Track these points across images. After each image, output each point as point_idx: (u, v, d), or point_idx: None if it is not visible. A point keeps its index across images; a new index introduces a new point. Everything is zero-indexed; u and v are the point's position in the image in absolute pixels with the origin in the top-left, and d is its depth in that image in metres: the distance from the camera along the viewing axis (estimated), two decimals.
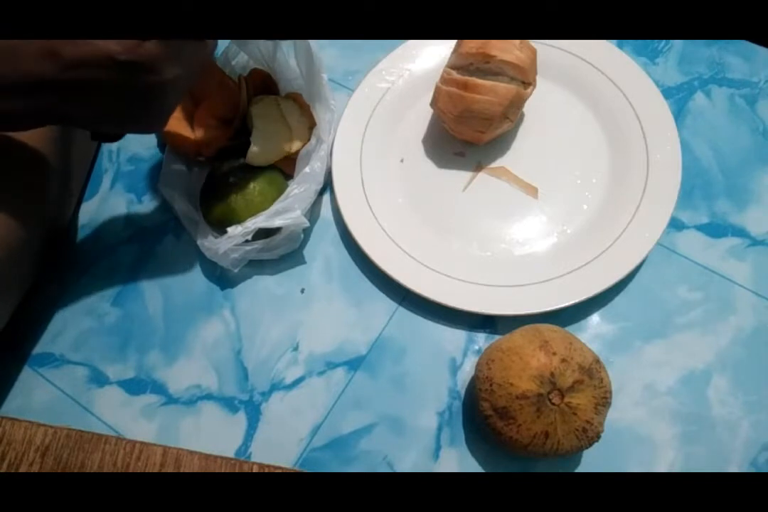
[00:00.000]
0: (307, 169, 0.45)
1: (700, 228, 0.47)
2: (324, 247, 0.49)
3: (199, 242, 0.45)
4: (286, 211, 0.43)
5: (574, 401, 0.35)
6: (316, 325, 0.47)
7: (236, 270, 0.46)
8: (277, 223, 0.43)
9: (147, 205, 0.52)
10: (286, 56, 0.49)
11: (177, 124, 0.49)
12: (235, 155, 0.47)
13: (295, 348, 0.46)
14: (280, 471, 0.42)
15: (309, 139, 0.48)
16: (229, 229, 0.44)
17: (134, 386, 0.46)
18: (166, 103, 0.35)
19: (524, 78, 0.44)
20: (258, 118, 0.47)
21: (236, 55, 0.51)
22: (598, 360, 0.38)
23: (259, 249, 0.45)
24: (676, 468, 0.41)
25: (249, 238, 0.44)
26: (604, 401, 0.36)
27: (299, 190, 0.45)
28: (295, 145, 0.48)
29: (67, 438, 0.43)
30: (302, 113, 0.48)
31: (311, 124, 0.48)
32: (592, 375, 0.36)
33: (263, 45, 0.49)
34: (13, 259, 0.40)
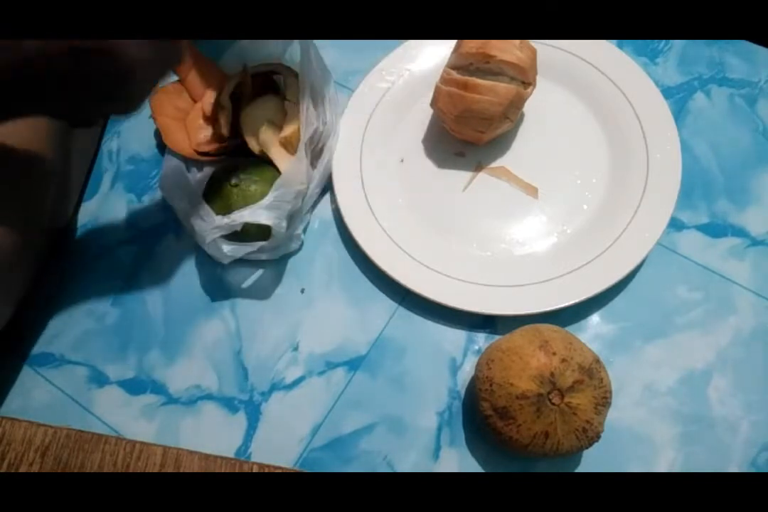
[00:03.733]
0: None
1: (700, 228, 0.47)
2: (324, 247, 0.49)
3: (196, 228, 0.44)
4: (273, 209, 0.42)
5: (574, 401, 0.35)
6: (316, 325, 0.47)
7: (226, 262, 0.44)
8: (262, 219, 0.42)
9: (147, 205, 0.52)
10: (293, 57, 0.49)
11: (175, 124, 0.49)
12: (236, 155, 0.47)
13: (295, 348, 0.46)
14: (280, 471, 0.42)
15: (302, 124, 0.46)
16: (216, 218, 0.43)
17: (134, 386, 0.46)
18: (132, 89, 0.32)
19: (524, 78, 0.44)
20: (253, 110, 0.47)
21: None
22: (598, 360, 0.38)
23: (260, 249, 0.45)
24: (676, 468, 0.41)
25: (238, 229, 0.42)
26: (604, 401, 0.36)
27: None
28: (289, 128, 0.46)
29: (67, 438, 0.43)
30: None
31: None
32: (592, 375, 0.36)
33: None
34: (12, 259, 0.40)
